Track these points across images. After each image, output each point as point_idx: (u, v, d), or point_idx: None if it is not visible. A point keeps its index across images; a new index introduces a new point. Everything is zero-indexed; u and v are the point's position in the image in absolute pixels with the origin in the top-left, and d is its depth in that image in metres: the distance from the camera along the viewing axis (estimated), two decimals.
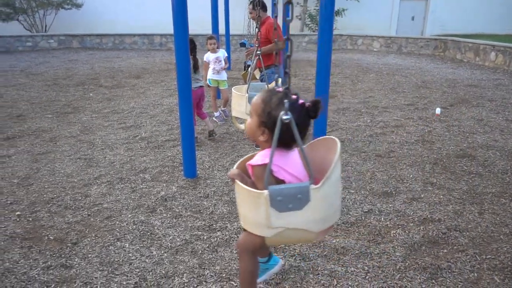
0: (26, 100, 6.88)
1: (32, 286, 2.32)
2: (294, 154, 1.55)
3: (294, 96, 1.47)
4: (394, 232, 2.90)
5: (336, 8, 3.46)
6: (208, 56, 5.45)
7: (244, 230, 1.48)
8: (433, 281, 2.39)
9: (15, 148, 4.64)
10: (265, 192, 1.32)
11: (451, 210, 3.22)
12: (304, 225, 1.37)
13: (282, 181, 1.46)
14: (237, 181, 1.45)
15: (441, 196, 3.45)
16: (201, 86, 4.82)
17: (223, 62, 5.52)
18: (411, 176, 3.88)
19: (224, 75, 5.63)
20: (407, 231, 2.91)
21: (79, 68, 10.22)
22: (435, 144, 4.76)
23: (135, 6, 16.97)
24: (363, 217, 3.11)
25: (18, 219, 3.07)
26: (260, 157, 1.45)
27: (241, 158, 1.72)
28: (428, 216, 3.13)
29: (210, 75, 5.53)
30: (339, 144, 1.53)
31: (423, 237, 2.84)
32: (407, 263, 2.54)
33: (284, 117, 1.30)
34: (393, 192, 3.54)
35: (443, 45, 13.10)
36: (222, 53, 5.52)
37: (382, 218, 3.09)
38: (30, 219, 3.08)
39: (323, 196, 1.37)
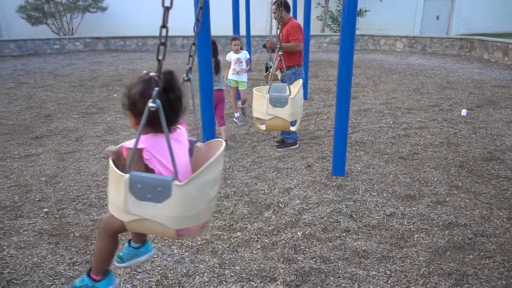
0: (54, 101, 7.11)
1: (59, 281, 2.39)
2: (177, 147, 1.52)
3: (151, 74, 1.44)
4: (418, 236, 2.84)
5: (357, 9, 3.41)
6: (230, 56, 5.52)
7: None
8: (459, 287, 2.32)
9: (43, 147, 4.80)
10: (126, 176, 1.31)
11: (478, 214, 3.12)
12: (161, 219, 1.34)
13: (152, 170, 1.43)
14: (110, 159, 1.43)
15: (467, 200, 3.35)
16: (219, 89, 4.77)
17: (244, 63, 5.56)
18: (435, 179, 3.78)
19: (244, 76, 5.68)
20: (431, 236, 2.84)
21: (104, 70, 10.48)
22: (460, 146, 4.62)
23: (158, 9, 17.20)
24: (385, 220, 3.05)
25: (46, 216, 3.18)
26: (134, 140, 1.41)
27: None
28: (454, 220, 3.04)
29: (229, 75, 5.60)
30: (221, 148, 1.49)
31: (448, 242, 2.76)
32: (431, 268, 2.48)
33: (150, 104, 1.27)
34: (417, 195, 3.46)
35: (469, 44, 12.72)
36: (244, 54, 5.58)
37: (405, 222, 3.03)
38: (57, 216, 3.18)
39: (185, 195, 1.32)
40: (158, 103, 1.27)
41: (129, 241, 1.87)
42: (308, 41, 7.01)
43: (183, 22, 15.02)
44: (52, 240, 2.83)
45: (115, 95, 7.58)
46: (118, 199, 1.34)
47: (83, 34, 16.01)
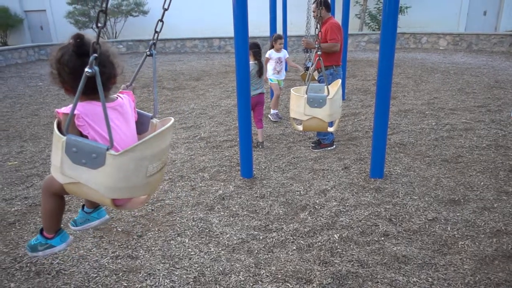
0: None
1: (103, 273, 2.51)
2: (115, 117, 1.51)
3: (70, 41, 1.42)
4: (462, 243, 2.70)
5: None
6: (271, 54, 5.60)
7: None
8: None
9: None
10: (64, 138, 1.34)
11: None
12: (94, 186, 1.35)
13: (87, 137, 1.43)
14: (56, 120, 1.45)
15: None
16: (261, 93, 4.75)
17: (284, 62, 5.73)
18: (482, 183, 3.58)
19: (283, 75, 5.84)
20: (477, 243, 2.70)
21: (144, 72, 10.83)
22: (510, 149, 4.35)
23: (196, 13, 17.64)
24: (427, 225, 2.93)
25: None
26: (70, 105, 1.41)
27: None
28: (502, 228, 2.87)
29: (270, 75, 5.69)
30: (166, 126, 1.45)
31: (496, 250, 2.61)
32: (477, 278, 2.36)
33: (86, 69, 1.28)
34: (461, 200, 3.30)
35: None
36: (284, 53, 5.72)
37: (449, 228, 2.90)
38: None
39: (118, 166, 1.32)
40: (96, 69, 1.29)
41: (83, 206, 1.92)
42: (346, 40, 6.88)
43: (220, 24, 15.29)
44: (96, 234, 2.97)
45: None
46: (56, 160, 1.39)
47: (126, 37, 16.70)
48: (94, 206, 1.91)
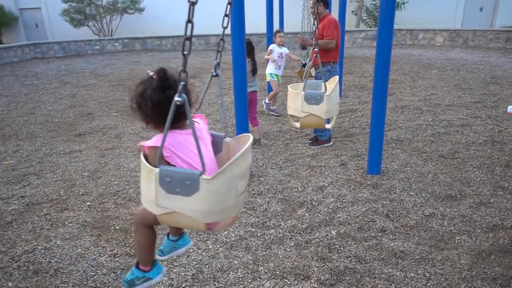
0: (95, 100, 7.43)
1: (101, 271, 2.51)
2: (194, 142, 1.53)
3: (150, 73, 1.45)
4: (459, 238, 2.72)
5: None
6: (274, 47, 5.66)
7: None
8: None
9: (85, 143, 5.04)
10: (156, 170, 1.34)
11: None
12: (190, 213, 1.35)
13: (174, 166, 1.44)
14: (141, 154, 1.46)
15: None
16: (254, 91, 4.78)
17: (284, 58, 5.81)
18: (478, 179, 3.60)
19: (281, 71, 5.92)
20: (473, 238, 2.72)
21: (141, 69, 10.82)
22: (506, 145, 4.37)
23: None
24: (424, 221, 2.95)
25: (88, 209, 3.34)
26: (154, 138, 1.43)
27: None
28: (499, 222, 2.89)
29: (272, 69, 5.78)
30: (248, 142, 1.47)
31: (493, 245, 2.63)
32: (473, 272, 2.37)
33: (176, 98, 1.28)
34: (458, 196, 3.32)
35: None
36: (284, 50, 5.80)
37: (446, 223, 2.91)
38: (99, 209, 3.33)
39: (213, 189, 1.33)
40: (184, 97, 1.29)
41: (168, 234, 1.93)
42: (343, 37, 6.88)
43: (217, 21, 15.21)
44: (94, 233, 2.96)
45: None
46: (149, 193, 1.39)
47: (122, 35, 16.60)
48: (178, 233, 1.92)
